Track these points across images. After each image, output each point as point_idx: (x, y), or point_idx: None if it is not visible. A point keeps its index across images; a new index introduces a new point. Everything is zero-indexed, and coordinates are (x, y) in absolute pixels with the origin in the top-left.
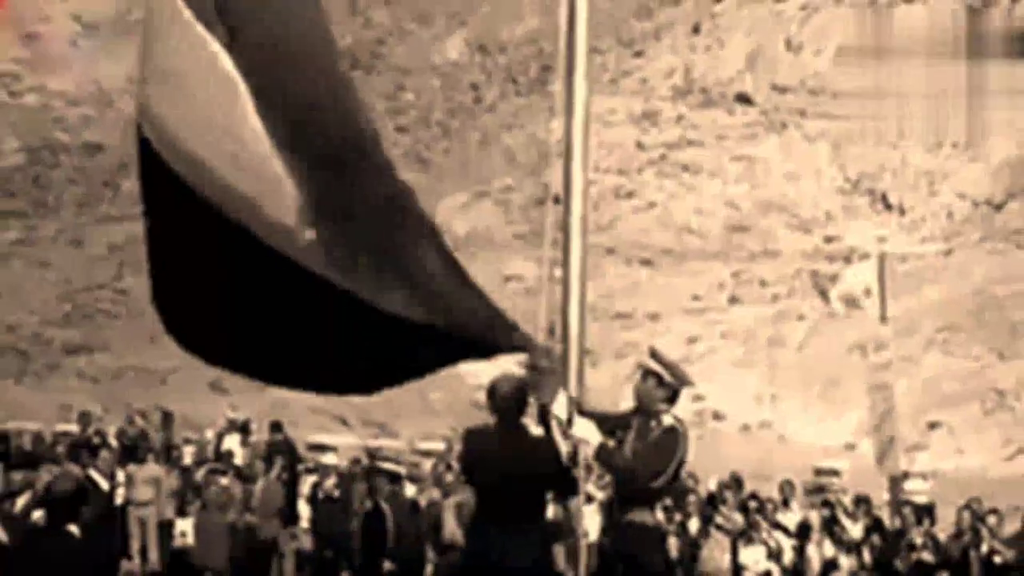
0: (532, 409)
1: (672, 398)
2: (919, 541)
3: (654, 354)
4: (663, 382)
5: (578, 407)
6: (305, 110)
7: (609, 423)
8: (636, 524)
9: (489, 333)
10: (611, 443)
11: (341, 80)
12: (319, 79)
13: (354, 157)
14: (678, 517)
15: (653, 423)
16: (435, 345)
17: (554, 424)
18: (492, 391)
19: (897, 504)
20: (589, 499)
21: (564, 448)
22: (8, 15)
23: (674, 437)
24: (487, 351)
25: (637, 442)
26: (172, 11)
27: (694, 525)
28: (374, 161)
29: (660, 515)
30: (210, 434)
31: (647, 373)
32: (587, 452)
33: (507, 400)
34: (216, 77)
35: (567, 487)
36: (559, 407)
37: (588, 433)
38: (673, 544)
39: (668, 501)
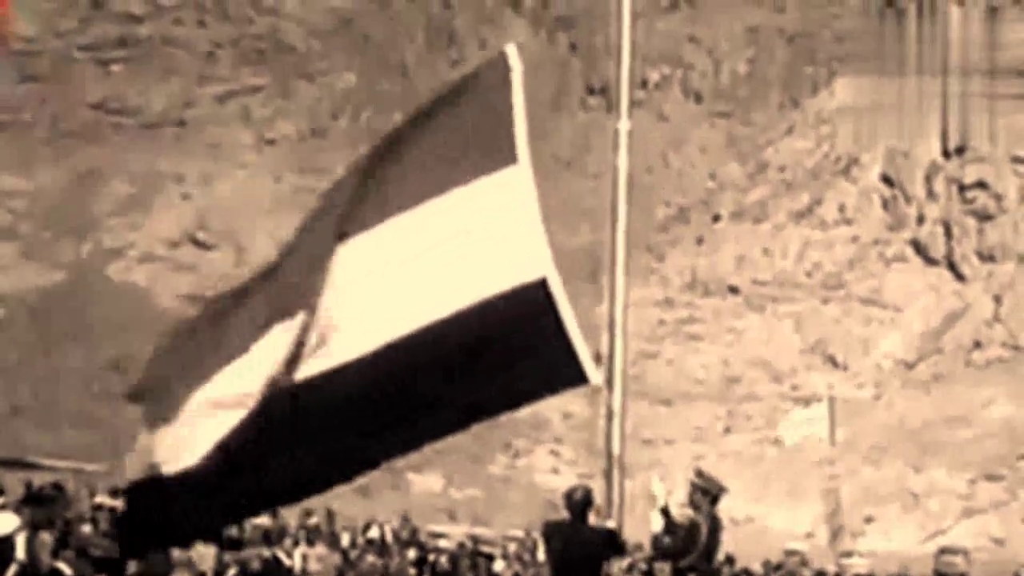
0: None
1: (714, 500)
2: None
3: (700, 473)
4: (707, 491)
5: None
6: None
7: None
8: None
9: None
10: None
11: None
12: None
13: None
14: None
15: (703, 517)
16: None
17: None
18: (568, 495)
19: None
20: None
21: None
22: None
23: (719, 522)
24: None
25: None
26: None
27: None
28: None
29: None
30: (359, 525)
31: (696, 487)
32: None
33: (577, 502)
34: None
35: (617, 550)
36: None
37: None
38: None
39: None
